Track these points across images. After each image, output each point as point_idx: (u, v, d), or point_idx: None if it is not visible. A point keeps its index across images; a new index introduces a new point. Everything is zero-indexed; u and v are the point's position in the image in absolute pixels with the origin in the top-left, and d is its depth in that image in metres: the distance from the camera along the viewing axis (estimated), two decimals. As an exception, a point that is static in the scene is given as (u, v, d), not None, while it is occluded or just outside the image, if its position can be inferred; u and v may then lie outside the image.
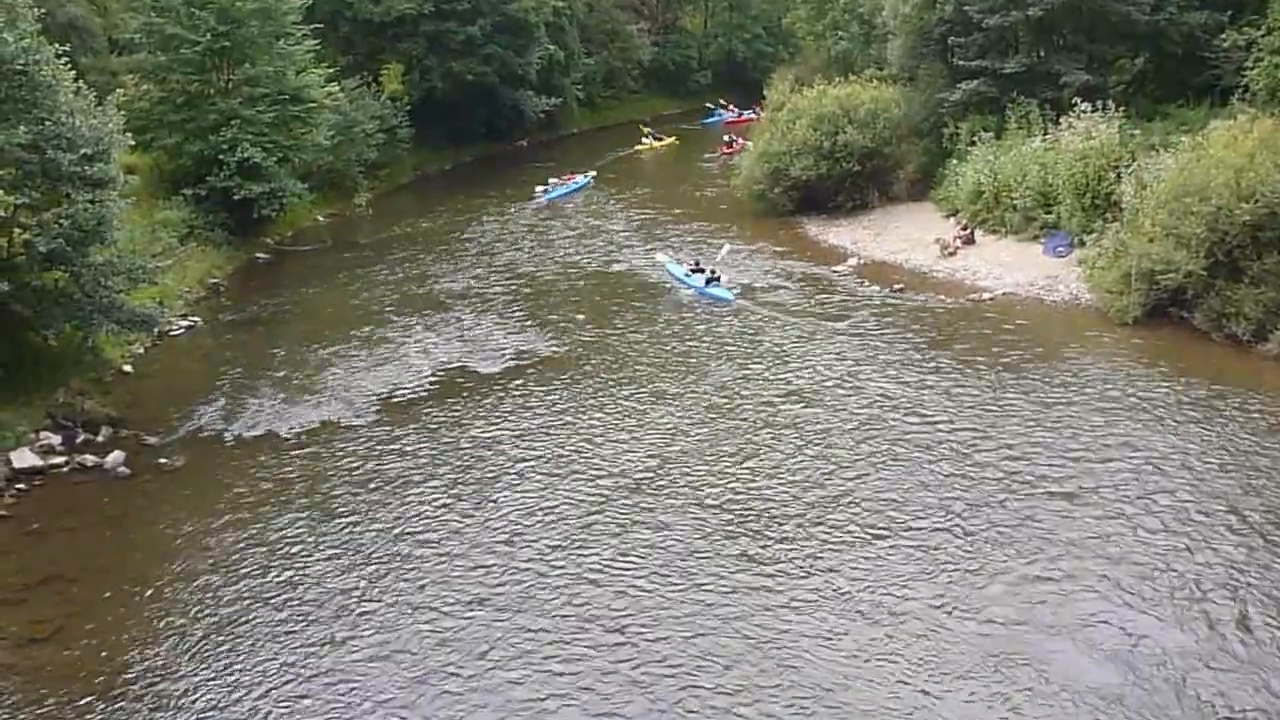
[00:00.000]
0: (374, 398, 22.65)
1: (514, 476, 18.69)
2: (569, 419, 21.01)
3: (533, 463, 19.15)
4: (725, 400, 21.47)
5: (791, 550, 15.80)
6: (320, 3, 44.73)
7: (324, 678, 13.63)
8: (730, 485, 17.88)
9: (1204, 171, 22.67)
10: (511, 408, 21.78)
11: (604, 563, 15.78)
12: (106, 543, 17.69)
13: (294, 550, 16.67)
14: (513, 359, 24.64)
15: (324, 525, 17.37)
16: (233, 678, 13.72)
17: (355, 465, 19.55)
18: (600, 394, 22.26)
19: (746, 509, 17.07)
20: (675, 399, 21.72)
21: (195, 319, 29.07)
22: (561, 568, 15.72)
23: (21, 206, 20.72)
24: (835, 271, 30.26)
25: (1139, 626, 13.63)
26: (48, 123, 20.64)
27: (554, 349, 25.26)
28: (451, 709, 12.98)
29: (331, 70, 40.79)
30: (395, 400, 22.56)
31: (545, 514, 17.25)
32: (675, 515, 16.96)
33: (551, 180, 45.22)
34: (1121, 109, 28.81)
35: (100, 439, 20.90)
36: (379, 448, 20.23)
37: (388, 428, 21.14)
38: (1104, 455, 18.00)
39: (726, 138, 52.69)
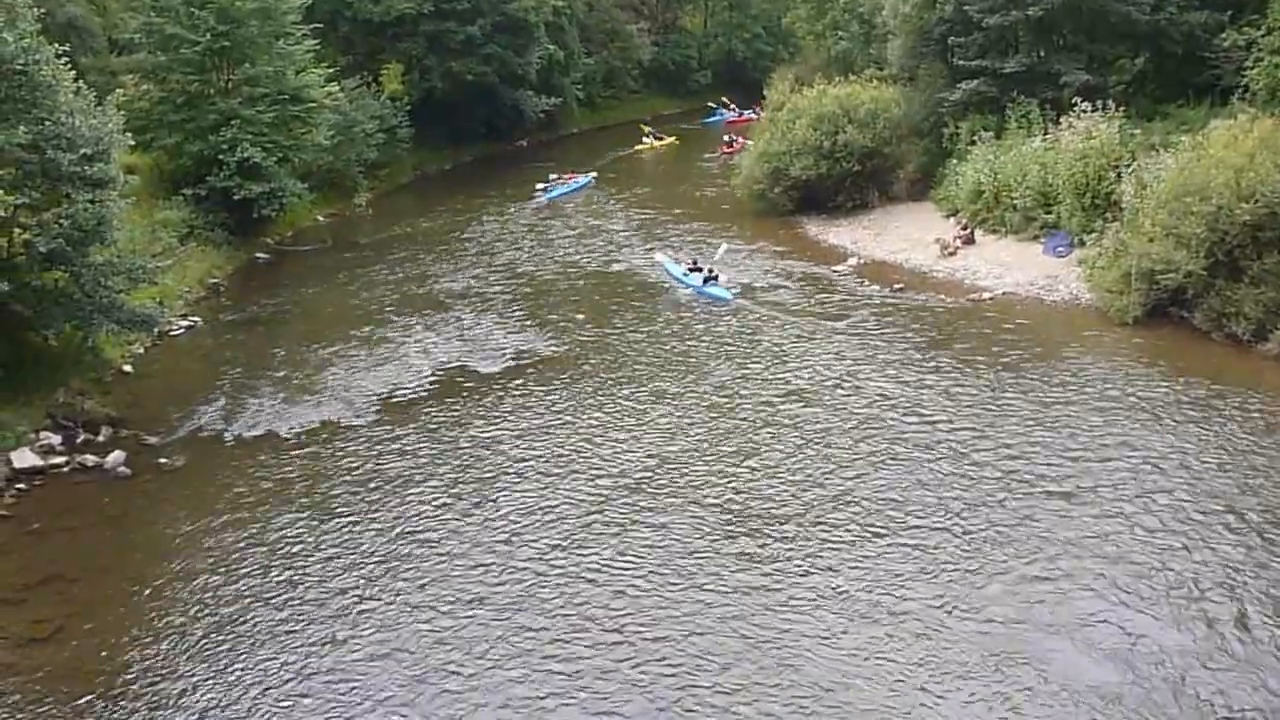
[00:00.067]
0: (374, 397, 22.66)
1: (513, 476, 18.70)
2: (568, 418, 21.02)
3: (532, 462, 19.16)
4: (725, 400, 21.48)
5: (791, 549, 15.80)
6: (320, 2, 44.79)
7: (324, 677, 13.64)
8: (730, 485, 17.89)
9: (1204, 171, 22.66)
10: (511, 407, 21.79)
11: (603, 562, 15.79)
12: (106, 543, 17.70)
13: (294, 550, 16.68)
14: (512, 358, 24.65)
15: (324, 525, 17.37)
16: (233, 677, 13.73)
17: (355, 465, 19.56)
18: (600, 393, 22.27)
19: (746, 508, 17.08)
20: (675, 398, 21.73)
21: (195, 319, 29.08)
22: (561, 567, 15.73)
23: (21, 206, 20.72)
24: (835, 271, 30.26)
25: (1138, 626, 13.64)
26: (48, 123, 20.65)
27: (554, 348, 25.27)
28: (451, 708, 12.99)
29: (331, 70, 40.81)
30: (395, 400, 22.57)
31: (545, 513, 17.26)
32: (675, 515, 16.97)
33: (552, 177, 45.29)
34: (1121, 109, 28.80)
35: (100, 439, 20.92)
36: (379, 447, 20.24)
37: (388, 427, 21.15)
38: (1103, 455, 18.00)
39: (726, 138, 52.70)
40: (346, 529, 17.21)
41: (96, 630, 14.90)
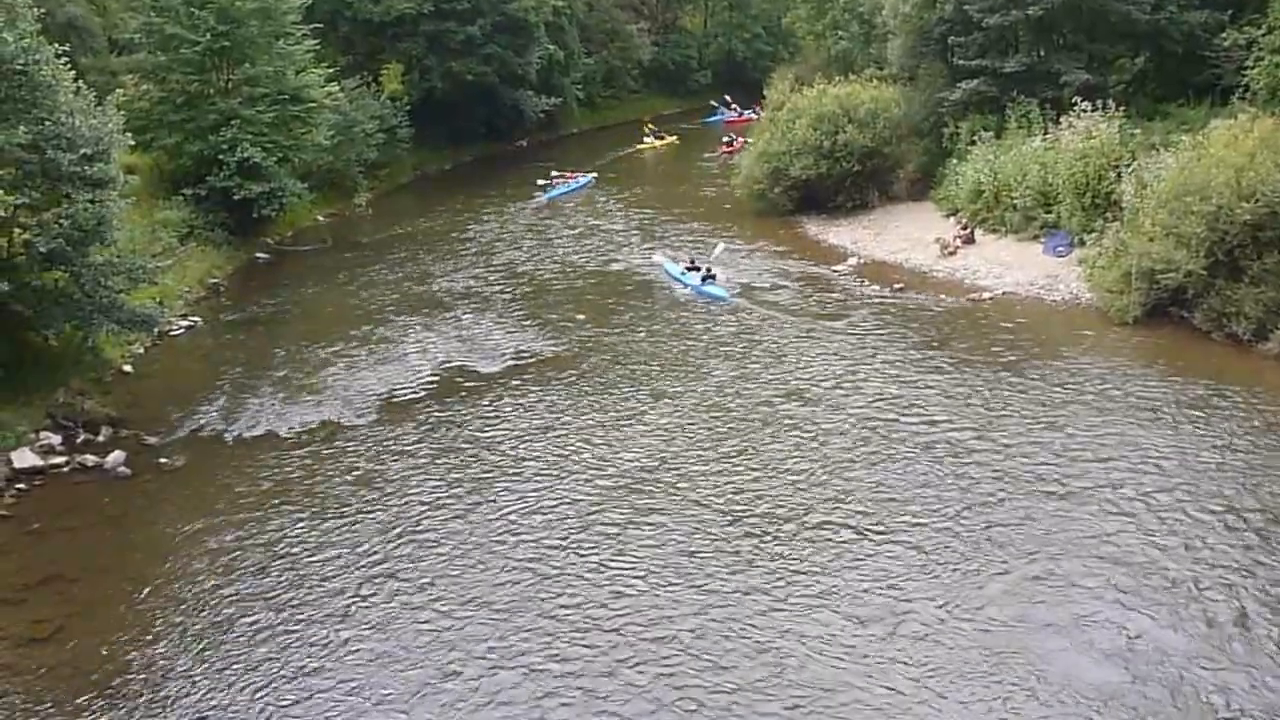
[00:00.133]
0: (374, 397, 22.65)
1: (513, 476, 18.69)
2: (568, 418, 21.02)
3: (531, 462, 19.16)
4: (724, 399, 21.47)
5: (790, 550, 15.79)
6: (320, 2, 44.78)
7: (324, 677, 13.63)
8: (729, 485, 17.87)
9: (1204, 171, 22.65)
10: (511, 407, 21.78)
11: (603, 562, 15.78)
12: (106, 543, 17.69)
13: (294, 550, 16.68)
14: (512, 358, 24.65)
15: (324, 525, 17.37)
16: (233, 677, 13.72)
17: (355, 465, 19.56)
18: (599, 393, 22.26)
19: (746, 508, 17.06)
20: (674, 398, 21.72)
21: (195, 319, 29.08)
22: (560, 567, 15.72)
23: (21, 206, 20.70)
24: (835, 271, 30.26)
25: (1138, 626, 13.63)
26: (48, 123, 20.64)
27: (553, 348, 25.26)
28: (451, 708, 12.97)
29: (331, 70, 40.78)
30: (395, 400, 22.57)
31: (544, 513, 17.26)
32: (674, 515, 16.96)
33: (554, 174, 45.38)
34: (1122, 108, 28.80)
35: (100, 439, 20.91)
36: (379, 447, 20.24)
37: (388, 427, 21.15)
38: (1103, 454, 17.99)
39: (726, 138, 52.70)
40: (346, 529, 17.20)
41: (96, 630, 14.89)
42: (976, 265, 28.90)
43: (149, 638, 14.68)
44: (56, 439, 20.59)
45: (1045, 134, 29.98)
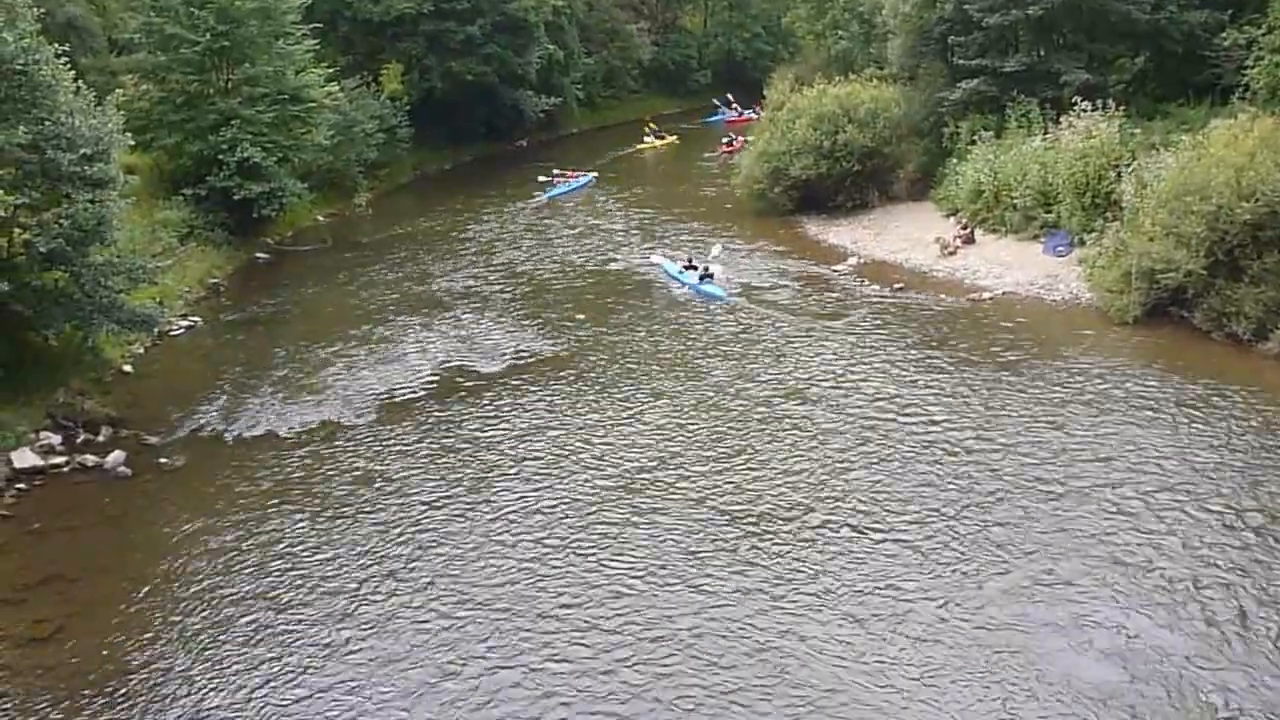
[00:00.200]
0: (374, 397, 22.65)
1: (513, 476, 18.69)
2: (567, 418, 21.02)
3: (531, 462, 19.16)
4: (724, 399, 21.46)
5: (789, 550, 15.79)
6: (320, 2, 44.78)
7: (324, 677, 13.63)
8: (729, 485, 17.87)
9: (1204, 170, 22.64)
10: (510, 407, 21.78)
11: (602, 563, 15.78)
12: (106, 543, 17.69)
13: (294, 550, 16.68)
14: (511, 358, 24.65)
15: (324, 525, 17.37)
16: (233, 678, 13.72)
17: (355, 465, 19.56)
18: (598, 393, 22.26)
19: (745, 509, 17.05)
20: (674, 398, 21.72)
21: (195, 319, 29.08)
22: (559, 568, 15.72)
23: (21, 206, 20.70)
24: (835, 271, 30.26)
25: (1137, 625, 13.63)
26: (47, 123, 20.64)
27: (552, 348, 25.26)
28: (450, 708, 12.98)
29: (331, 70, 40.79)
30: (395, 400, 22.57)
31: (543, 514, 17.26)
32: (673, 516, 16.95)
33: (555, 172, 45.52)
34: (1122, 108, 28.79)
35: (100, 439, 20.91)
36: (379, 447, 20.25)
37: (387, 427, 21.15)
38: (1103, 454, 17.99)
39: (726, 139, 52.69)
40: (346, 529, 17.20)
41: (97, 630, 14.89)
42: (976, 265, 28.90)
43: (149, 638, 14.68)
44: (56, 439, 20.60)
45: (1045, 134, 29.96)
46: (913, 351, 23.47)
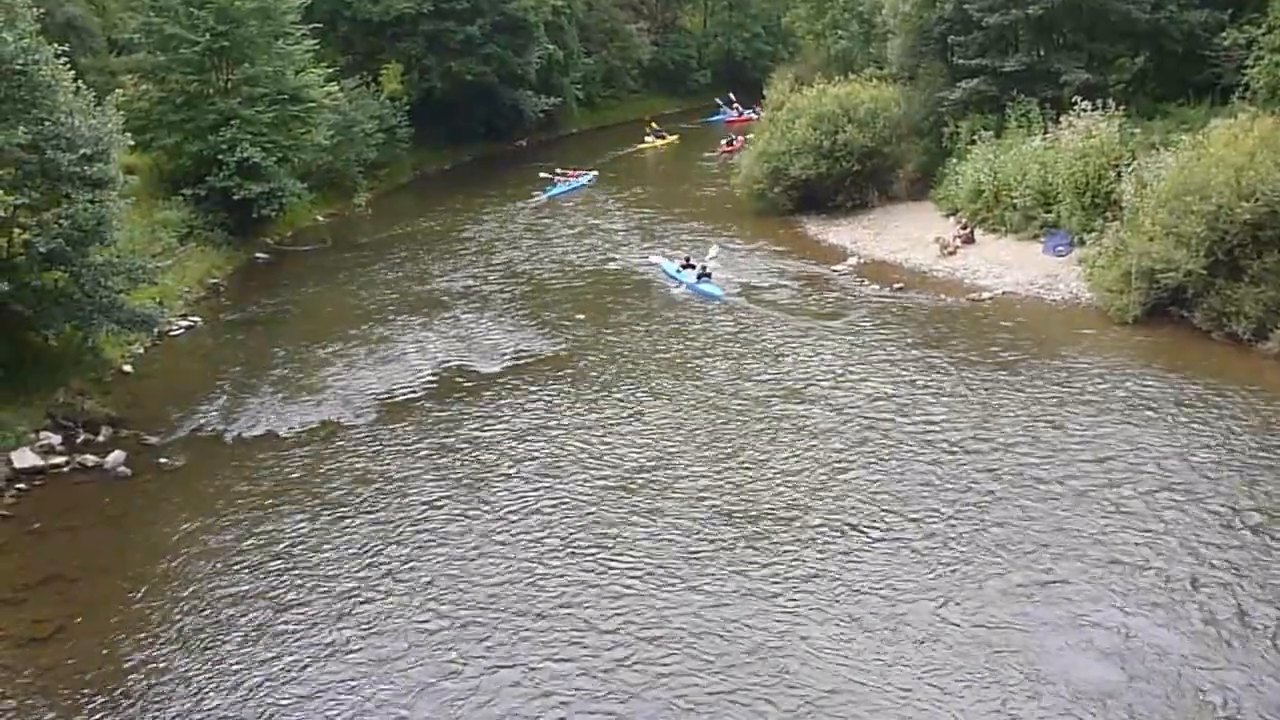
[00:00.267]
0: (374, 397, 22.65)
1: (512, 476, 18.69)
2: (567, 418, 21.01)
3: (530, 462, 19.15)
4: (724, 400, 21.46)
5: (788, 550, 15.78)
6: (319, 2, 44.78)
7: (324, 677, 13.63)
8: (728, 484, 17.86)
9: (1204, 170, 22.64)
10: (509, 407, 21.77)
11: (601, 563, 15.77)
12: (106, 543, 17.69)
13: (294, 550, 16.68)
14: (511, 358, 24.65)
15: (324, 524, 17.37)
16: (233, 678, 13.72)
17: (355, 464, 19.55)
18: (598, 393, 22.25)
19: (745, 508, 17.05)
20: (674, 398, 21.71)
21: (195, 319, 29.09)
22: (558, 569, 15.71)
23: (21, 206, 20.70)
24: (835, 271, 30.25)
25: (1136, 625, 13.62)
26: (47, 123, 20.63)
27: (552, 348, 25.26)
28: (450, 708, 12.97)
29: (331, 70, 40.81)
30: (395, 399, 22.57)
31: (543, 514, 17.25)
32: (673, 516, 16.94)
33: (556, 171, 45.68)
34: (1122, 107, 28.78)
35: (100, 439, 20.91)
36: (378, 447, 20.25)
37: (387, 427, 21.15)
38: (1103, 454, 17.98)
39: (726, 139, 52.70)
40: (346, 528, 17.20)
41: (96, 630, 14.90)
42: (976, 265, 28.89)
43: (149, 638, 14.68)
44: (56, 439, 20.60)
45: (1045, 133, 29.96)
46: (912, 351, 23.46)
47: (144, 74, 36.08)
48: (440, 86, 51.90)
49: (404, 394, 22.87)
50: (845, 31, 43.79)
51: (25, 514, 18.29)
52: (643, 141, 56.91)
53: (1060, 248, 27.73)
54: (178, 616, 15.14)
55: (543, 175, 45.20)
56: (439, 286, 31.37)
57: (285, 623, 14.80)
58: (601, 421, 20.76)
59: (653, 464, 18.79)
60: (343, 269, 34.17)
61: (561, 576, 15.49)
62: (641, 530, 16.58)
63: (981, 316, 25.62)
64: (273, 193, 35.38)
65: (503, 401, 22.10)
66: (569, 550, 16.16)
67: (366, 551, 16.47)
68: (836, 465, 18.28)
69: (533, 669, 13.56)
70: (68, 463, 19.93)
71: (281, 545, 16.84)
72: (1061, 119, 29.29)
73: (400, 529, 17.09)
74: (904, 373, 22.18)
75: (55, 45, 21.42)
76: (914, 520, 16.35)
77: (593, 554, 16.02)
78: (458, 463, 19.34)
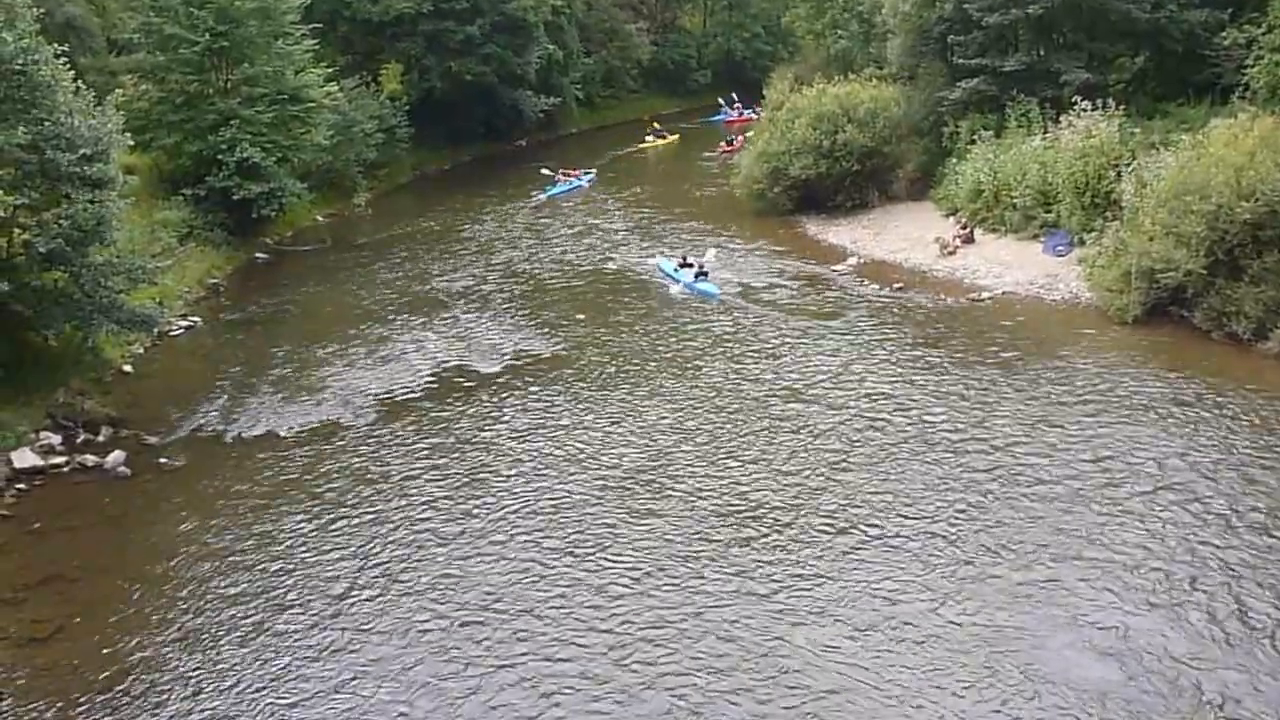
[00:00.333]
0: (373, 397, 22.66)
1: (512, 476, 18.68)
2: (566, 418, 21.00)
3: (530, 462, 19.15)
4: (723, 399, 21.45)
5: (787, 551, 15.77)
6: (319, 2, 44.78)
7: (323, 677, 13.62)
8: (728, 484, 17.85)
9: (1204, 170, 22.63)
10: (509, 406, 21.77)
11: (600, 563, 15.76)
12: (106, 543, 17.69)
13: (294, 550, 16.68)
14: (510, 357, 24.65)
15: (324, 524, 17.37)
16: (233, 677, 13.72)
17: (355, 464, 19.56)
18: (598, 393, 22.25)
19: (745, 508, 17.03)
20: (673, 397, 21.70)
21: (195, 319, 29.09)
22: (558, 569, 15.70)
23: (21, 206, 20.69)
24: (834, 270, 30.25)
25: (1138, 626, 13.61)
26: (47, 123, 20.63)
27: (551, 347, 25.26)
28: (450, 708, 12.97)
29: (330, 70, 40.83)
30: (394, 399, 22.57)
31: (542, 515, 17.24)
32: (672, 517, 16.93)
33: (560, 171, 45.60)
34: (1122, 107, 28.76)
35: (100, 439, 20.91)
36: (378, 447, 20.25)
37: (387, 427, 21.15)
38: (1103, 453, 17.97)
39: (726, 139, 52.70)
40: (346, 528, 17.20)
41: (96, 630, 14.89)
42: (976, 265, 28.89)
43: (149, 638, 14.67)
44: (56, 439, 20.59)
45: (1045, 133, 29.95)
46: (912, 351, 23.46)
47: (144, 74, 36.09)
48: (440, 86, 51.92)
49: (403, 394, 22.87)
50: (845, 31, 43.79)
51: (25, 514, 18.29)
52: (644, 141, 57.02)
53: (1060, 247, 27.72)
54: (177, 616, 15.14)
55: (544, 172, 45.31)
56: (438, 286, 31.38)
57: (284, 622, 14.80)
58: (601, 421, 20.76)
59: (652, 464, 18.79)
60: (342, 269, 34.18)
61: (561, 576, 15.48)
62: (640, 530, 16.58)
63: (981, 316, 25.62)
64: (272, 193, 35.39)
65: (502, 401, 22.10)
66: (568, 550, 16.15)
67: (366, 551, 16.47)
68: (836, 465, 18.28)
69: (532, 669, 13.55)
70: (68, 463, 19.94)
71: (281, 545, 16.84)
72: (1061, 119, 29.28)
73: (399, 529, 17.09)
74: (903, 372, 22.18)
75: (55, 45, 21.41)
76: (913, 520, 16.35)
77: (592, 554, 16.01)
78: (457, 462, 19.34)
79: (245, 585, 15.76)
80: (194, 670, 13.91)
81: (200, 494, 18.85)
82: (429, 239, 37.86)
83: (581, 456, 19.27)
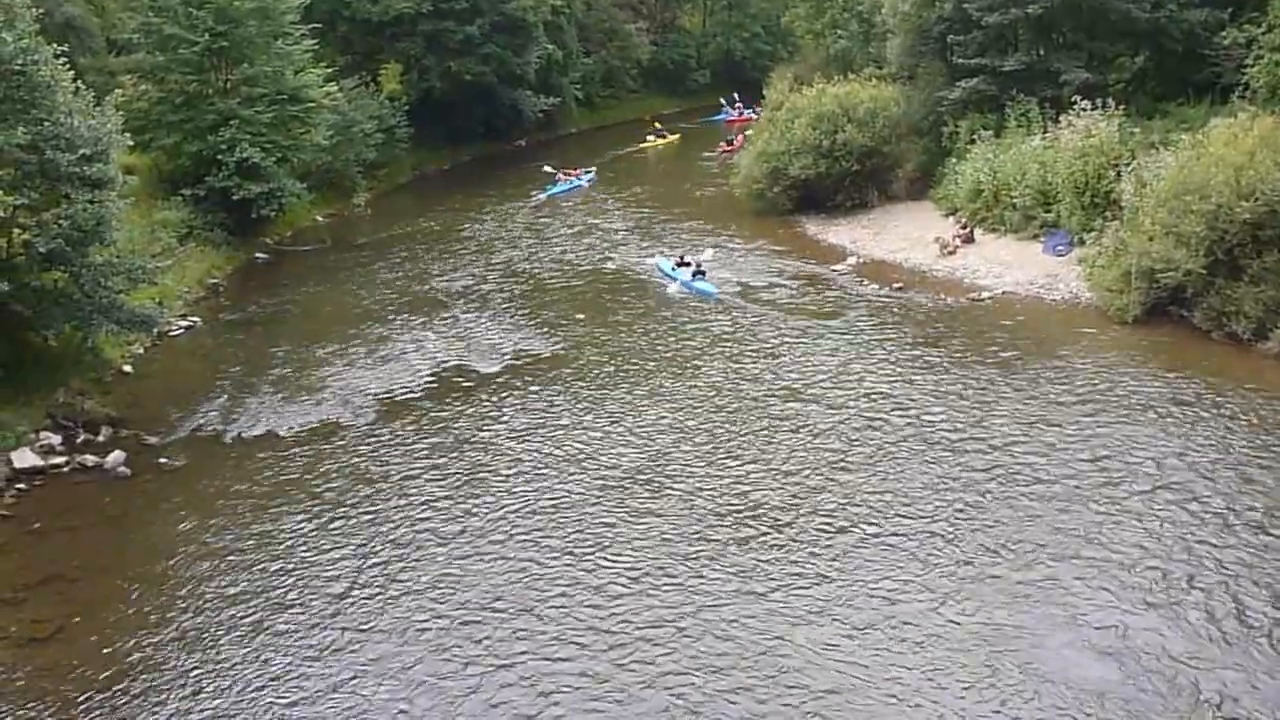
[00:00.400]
0: (373, 397, 22.66)
1: (511, 476, 18.69)
2: (566, 418, 21.01)
3: (530, 462, 19.16)
4: (722, 398, 21.46)
5: (787, 550, 15.78)
6: (318, 2, 44.77)
7: (323, 677, 13.63)
8: (727, 483, 17.86)
9: (1204, 169, 22.63)
10: (508, 406, 21.78)
11: (600, 563, 15.77)
12: (106, 543, 17.70)
13: (293, 550, 16.68)
14: (510, 357, 24.66)
15: (324, 524, 17.38)
16: (233, 677, 13.73)
17: (354, 464, 19.56)
18: (597, 393, 22.26)
19: (744, 508, 17.04)
20: (672, 397, 21.71)
21: (195, 319, 29.10)
22: (558, 568, 15.71)
23: (21, 207, 20.70)
24: (834, 270, 30.25)
25: (1138, 626, 13.62)
26: (46, 123, 20.63)
27: (551, 347, 25.27)
28: (449, 708, 12.98)
29: (330, 70, 40.78)
30: (394, 399, 22.58)
31: (542, 515, 17.25)
32: (672, 517, 16.94)
33: (561, 172, 45.56)
34: (1121, 107, 28.76)
35: (100, 439, 20.92)
36: (378, 447, 20.25)
37: (387, 427, 21.16)
38: (1102, 453, 17.98)
39: (726, 139, 52.70)
40: (346, 528, 17.21)
41: (97, 630, 14.90)
42: (976, 264, 28.90)
43: (149, 638, 14.68)
44: (56, 439, 20.60)
45: (1045, 133, 29.95)
46: (911, 351, 23.47)
47: (143, 74, 36.08)
48: (439, 86, 51.91)
49: (403, 394, 22.88)
50: (845, 31, 43.80)
51: (25, 514, 18.30)
52: (644, 140, 57.04)
53: (1060, 247, 27.73)
54: (177, 616, 15.14)
55: (547, 169, 45.42)
56: (438, 286, 31.38)
57: (284, 622, 14.81)
58: (600, 420, 20.77)
59: (651, 463, 18.79)
60: (342, 269, 34.19)
61: (560, 576, 15.49)
62: (640, 529, 16.59)
63: (981, 316, 25.63)
64: (272, 193, 35.38)
65: (501, 401, 22.11)
66: (567, 550, 16.16)
67: (365, 551, 16.48)
68: (835, 464, 18.28)
69: (531, 668, 13.55)
70: (68, 463, 19.94)
71: (281, 545, 16.85)
72: (1061, 118, 29.27)
73: (399, 529, 17.10)
74: (903, 372, 22.19)
75: (54, 45, 21.40)
76: (912, 519, 16.35)
77: (591, 553, 16.02)
78: (456, 462, 19.35)
79: (245, 585, 15.77)
80: (194, 670, 13.92)
81: (200, 494, 18.86)
82: (428, 239, 37.87)
83: (581, 456, 19.28)
